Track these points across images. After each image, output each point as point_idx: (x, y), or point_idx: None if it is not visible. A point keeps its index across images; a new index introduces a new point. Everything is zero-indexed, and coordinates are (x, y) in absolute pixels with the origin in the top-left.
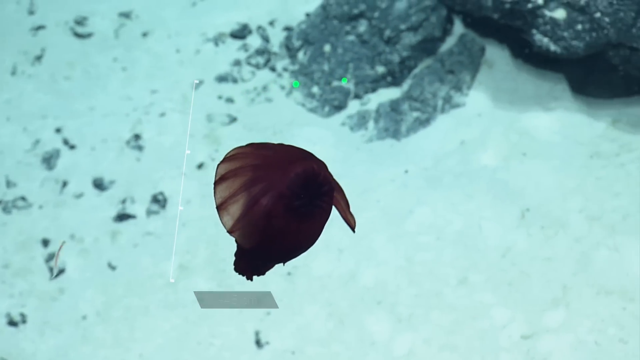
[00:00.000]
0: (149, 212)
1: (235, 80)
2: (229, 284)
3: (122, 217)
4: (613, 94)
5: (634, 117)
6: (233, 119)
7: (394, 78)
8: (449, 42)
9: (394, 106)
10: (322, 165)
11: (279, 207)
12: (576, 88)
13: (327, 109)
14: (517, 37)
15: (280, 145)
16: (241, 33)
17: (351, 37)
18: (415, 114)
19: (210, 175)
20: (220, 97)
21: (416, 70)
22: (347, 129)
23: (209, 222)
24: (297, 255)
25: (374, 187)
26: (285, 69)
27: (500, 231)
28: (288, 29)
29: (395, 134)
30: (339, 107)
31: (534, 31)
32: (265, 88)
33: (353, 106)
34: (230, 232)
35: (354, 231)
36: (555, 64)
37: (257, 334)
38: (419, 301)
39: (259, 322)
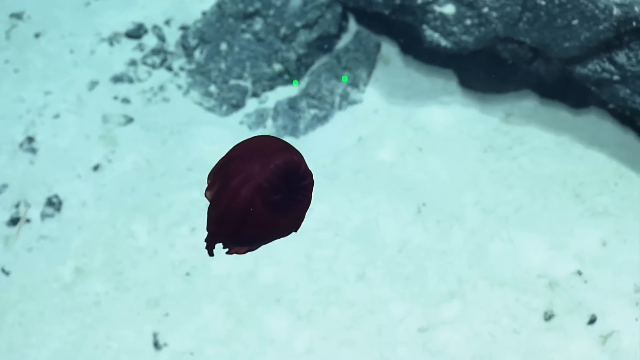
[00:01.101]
0: (44, 216)
1: (131, 81)
2: (126, 286)
3: (15, 221)
4: (504, 88)
5: (526, 110)
6: (129, 120)
7: (291, 76)
8: (345, 39)
9: (292, 104)
10: (301, 157)
11: (258, 199)
12: (469, 83)
13: (225, 107)
14: (409, 33)
15: (261, 136)
16: (136, 33)
17: (247, 35)
18: (313, 112)
19: (106, 177)
20: (116, 98)
21: (313, 68)
22: (246, 128)
23: (105, 224)
24: (272, 241)
25: None
26: (181, 68)
27: (397, 226)
28: (184, 27)
29: (294, 132)
30: (237, 106)
31: (425, 27)
32: (162, 88)
33: (251, 105)
34: (210, 225)
35: (296, 230)
36: (448, 59)
37: (155, 335)
38: (318, 298)
39: (157, 324)
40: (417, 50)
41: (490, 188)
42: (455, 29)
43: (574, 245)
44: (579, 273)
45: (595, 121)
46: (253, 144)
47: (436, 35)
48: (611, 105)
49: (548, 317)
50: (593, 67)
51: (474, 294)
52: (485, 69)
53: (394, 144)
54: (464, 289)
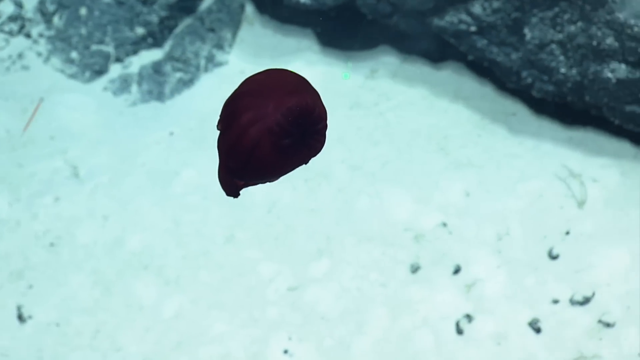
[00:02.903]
0: None
1: None
2: None
3: None
4: (368, 45)
5: (391, 66)
6: None
7: (154, 39)
8: (208, 0)
9: (157, 68)
10: (317, 98)
11: (267, 142)
12: (333, 41)
13: (87, 74)
14: None
15: (277, 70)
16: None
17: None
18: (179, 75)
19: None
20: None
21: (177, 30)
22: (110, 94)
23: None
24: (279, 177)
25: (139, 151)
26: (41, 35)
27: (265, 187)
28: None
29: (160, 96)
30: (100, 72)
31: None
32: (20, 55)
33: (115, 70)
34: (220, 158)
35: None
36: (311, 17)
37: (19, 308)
38: (187, 262)
39: (20, 297)
40: (281, 9)
41: (357, 144)
42: None
43: (439, 197)
44: (444, 224)
45: (457, 74)
46: (268, 78)
47: None
48: (470, 57)
49: (414, 269)
50: (450, 19)
51: (342, 251)
52: (347, 26)
53: None
54: (332, 246)
